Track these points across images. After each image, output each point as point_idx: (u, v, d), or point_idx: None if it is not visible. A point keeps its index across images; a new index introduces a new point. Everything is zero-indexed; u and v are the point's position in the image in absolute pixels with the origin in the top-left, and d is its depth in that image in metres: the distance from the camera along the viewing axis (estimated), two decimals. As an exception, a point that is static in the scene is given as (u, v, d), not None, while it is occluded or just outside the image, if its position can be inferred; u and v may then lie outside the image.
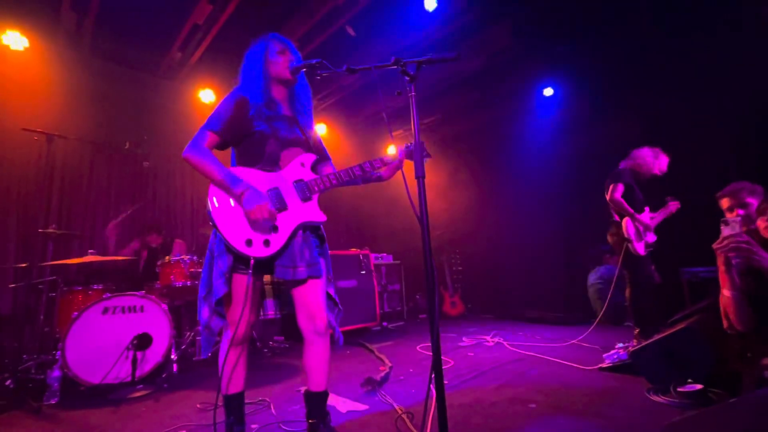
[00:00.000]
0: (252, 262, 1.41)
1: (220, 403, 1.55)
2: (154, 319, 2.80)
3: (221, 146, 1.55)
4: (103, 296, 2.67)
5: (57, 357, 2.48)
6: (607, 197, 3.06)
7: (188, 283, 3.17)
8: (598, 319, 3.48)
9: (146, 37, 4.00)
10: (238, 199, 1.44)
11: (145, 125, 4.35)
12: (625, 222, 3.00)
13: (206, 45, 3.96)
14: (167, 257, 3.22)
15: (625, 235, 2.99)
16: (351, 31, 3.87)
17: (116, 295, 2.72)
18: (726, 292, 1.61)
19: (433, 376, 1.04)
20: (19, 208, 3.63)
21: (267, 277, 1.62)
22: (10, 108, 3.60)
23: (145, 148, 3.89)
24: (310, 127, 1.70)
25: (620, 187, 3.00)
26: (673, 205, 3.22)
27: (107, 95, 4.23)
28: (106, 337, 2.60)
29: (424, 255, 1.11)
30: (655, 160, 3.15)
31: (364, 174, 1.61)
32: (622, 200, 2.99)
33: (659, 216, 3.17)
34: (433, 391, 1.03)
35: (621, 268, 3.09)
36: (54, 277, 2.93)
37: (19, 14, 3.47)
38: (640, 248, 2.97)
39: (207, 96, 4.56)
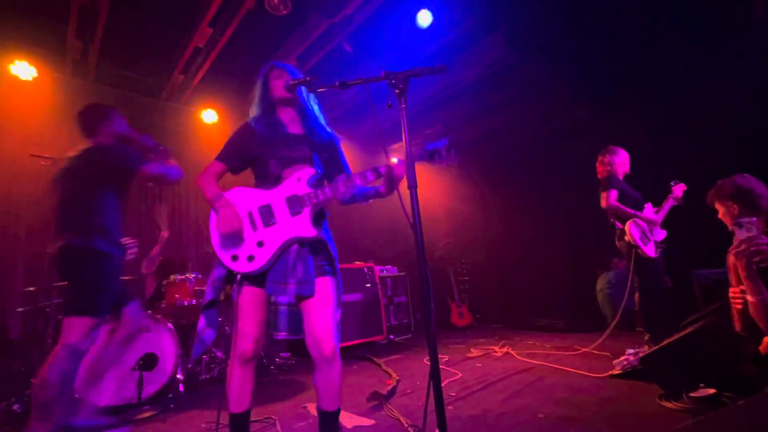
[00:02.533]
0: (238, 277, 1.46)
1: (223, 422, 1.54)
2: (160, 338, 2.80)
3: (233, 171, 1.67)
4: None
5: (64, 380, 2.49)
6: (603, 205, 2.97)
7: (193, 301, 3.18)
8: (610, 328, 3.38)
9: (149, 61, 4.11)
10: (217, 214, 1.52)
11: (149, 147, 4.44)
12: (628, 227, 2.86)
13: (207, 67, 4.06)
14: (172, 276, 3.24)
15: (631, 242, 2.84)
16: (348, 48, 3.95)
17: (122, 315, 2.73)
18: (751, 298, 1.52)
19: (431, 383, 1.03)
20: (28, 232, 3.69)
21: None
22: (19, 135, 3.70)
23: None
24: (325, 143, 1.68)
25: (613, 193, 2.93)
26: (678, 189, 3.03)
27: (113, 119, 4.33)
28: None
29: (419, 263, 1.12)
30: (622, 159, 3.11)
31: (365, 183, 1.52)
32: (618, 204, 2.90)
33: (665, 207, 3.04)
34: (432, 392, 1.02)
35: (622, 271, 3.01)
36: (61, 300, 2.95)
37: (27, 45, 3.60)
38: (649, 251, 2.86)
39: (209, 116, 4.66)
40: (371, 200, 1.68)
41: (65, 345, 1.83)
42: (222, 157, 1.64)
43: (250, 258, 1.46)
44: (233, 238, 1.50)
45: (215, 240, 1.51)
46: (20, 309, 3.26)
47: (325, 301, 1.48)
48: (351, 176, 1.53)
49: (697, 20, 3.61)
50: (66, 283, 2.00)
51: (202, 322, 1.53)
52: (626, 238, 2.88)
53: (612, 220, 3.06)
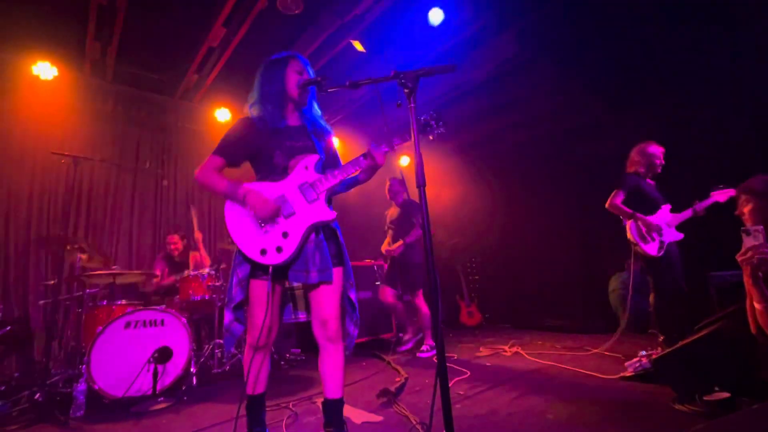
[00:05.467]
0: (270, 269, 1.48)
1: (242, 413, 1.58)
2: (174, 332, 2.87)
3: (231, 166, 1.66)
4: (126, 311, 2.76)
5: (83, 371, 2.57)
6: (606, 204, 3.02)
7: (206, 296, 3.24)
8: (621, 329, 3.36)
9: (164, 62, 4.20)
10: (242, 203, 1.54)
11: (164, 145, 4.54)
12: (628, 225, 2.96)
13: (221, 66, 4.13)
14: (186, 272, 3.31)
15: (630, 239, 2.95)
16: (359, 47, 3.96)
17: (138, 309, 2.81)
18: (757, 305, 1.52)
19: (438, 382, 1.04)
20: (49, 227, 3.82)
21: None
22: (40, 133, 3.82)
23: (165, 167, 4.05)
24: (323, 132, 1.75)
25: (620, 195, 2.98)
26: (720, 194, 2.92)
27: (129, 118, 4.44)
28: (128, 351, 2.68)
29: (426, 260, 1.12)
30: (643, 157, 3.09)
31: (366, 160, 1.59)
32: (620, 205, 2.96)
33: (683, 215, 3.00)
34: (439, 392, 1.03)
35: (636, 272, 3.02)
36: (80, 294, 3.05)
37: (48, 46, 3.71)
38: (650, 249, 2.87)
39: (223, 115, 4.73)
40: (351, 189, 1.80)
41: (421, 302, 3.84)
42: (222, 151, 1.63)
43: (279, 249, 1.50)
44: (258, 231, 1.52)
45: (238, 237, 1.53)
46: (41, 302, 3.37)
47: (335, 288, 1.58)
48: (357, 158, 1.60)
49: (713, 16, 3.52)
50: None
51: (228, 317, 1.56)
52: (627, 235, 2.96)
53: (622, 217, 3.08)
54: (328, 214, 1.57)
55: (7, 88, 3.75)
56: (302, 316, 1.68)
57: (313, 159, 1.63)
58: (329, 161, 1.75)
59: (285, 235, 1.52)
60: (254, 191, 1.53)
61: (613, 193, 3.01)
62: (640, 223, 2.92)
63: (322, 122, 1.77)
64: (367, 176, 1.71)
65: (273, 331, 1.61)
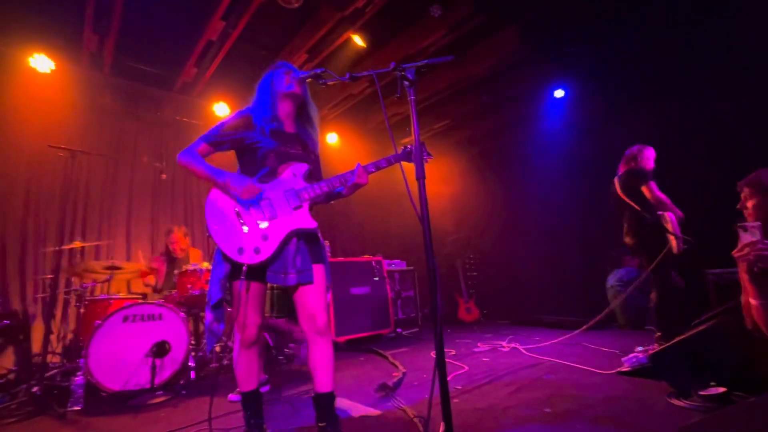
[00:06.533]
0: (245, 268, 1.49)
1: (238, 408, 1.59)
2: (172, 326, 2.86)
3: (214, 152, 1.66)
4: (124, 305, 2.76)
5: (81, 364, 2.57)
6: (650, 197, 2.90)
7: (205, 291, 3.24)
8: (594, 321, 3.39)
9: (163, 55, 4.16)
10: (224, 189, 1.56)
11: (162, 139, 4.51)
12: (668, 215, 2.84)
13: (220, 60, 4.09)
14: (184, 266, 3.30)
15: (671, 230, 2.80)
16: (359, 41, 3.94)
17: (136, 303, 2.80)
18: (753, 302, 1.52)
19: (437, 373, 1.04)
20: (47, 221, 3.80)
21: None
22: (38, 126, 3.79)
23: (163, 161, 4.03)
24: (313, 144, 1.79)
25: (654, 184, 2.88)
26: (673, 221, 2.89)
27: (127, 112, 4.41)
28: (126, 345, 2.67)
29: (426, 254, 1.12)
30: (638, 160, 3.06)
31: (353, 178, 1.65)
32: (664, 196, 2.86)
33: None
34: (437, 387, 1.03)
35: (635, 269, 2.98)
36: (78, 288, 3.04)
37: (45, 39, 3.67)
38: (678, 244, 2.83)
39: (221, 109, 4.70)
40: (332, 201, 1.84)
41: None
42: (212, 142, 1.62)
43: (257, 250, 1.51)
44: (237, 230, 1.53)
45: (217, 234, 1.54)
46: (39, 295, 3.37)
47: (318, 284, 1.60)
48: (344, 173, 1.65)
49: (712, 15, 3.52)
50: None
51: (209, 316, 1.58)
52: (667, 225, 2.83)
53: (648, 214, 2.95)
54: (310, 223, 1.60)
55: (4, 80, 3.71)
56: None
57: (302, 167, 1.66)
58: (314, 173, 1.77)
59: (265, 237, 1.53)
60: (234, 176, 1.56)
61: (649, 186, 2.88)
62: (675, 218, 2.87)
63: (314, 135, 1.80)
64: (349, 192, 1.75)
65: (260, 327, 1.65)
